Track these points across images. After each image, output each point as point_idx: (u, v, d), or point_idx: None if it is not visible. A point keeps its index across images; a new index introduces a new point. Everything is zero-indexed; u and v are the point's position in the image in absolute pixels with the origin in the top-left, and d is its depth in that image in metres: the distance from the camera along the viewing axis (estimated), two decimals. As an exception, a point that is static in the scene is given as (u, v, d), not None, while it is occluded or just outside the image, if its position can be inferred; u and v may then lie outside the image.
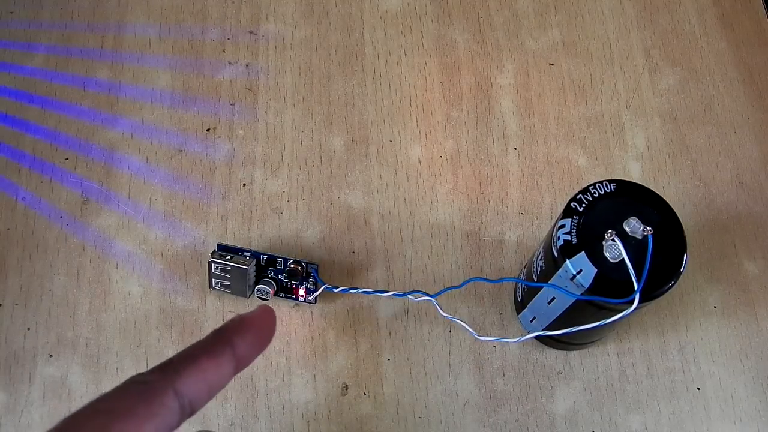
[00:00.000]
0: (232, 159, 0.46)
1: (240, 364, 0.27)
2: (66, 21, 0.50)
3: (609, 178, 0.35)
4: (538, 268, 0.37)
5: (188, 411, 0.25)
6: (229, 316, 0.41)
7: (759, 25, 0.51)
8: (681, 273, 0.33)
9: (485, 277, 0.43)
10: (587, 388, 0.41)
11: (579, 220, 0.34)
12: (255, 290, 0.41)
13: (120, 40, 0.49)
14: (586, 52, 0.50)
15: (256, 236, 0.44)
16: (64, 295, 0.42)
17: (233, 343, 0.27)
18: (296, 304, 0.42)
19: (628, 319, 0.35)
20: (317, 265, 0.40)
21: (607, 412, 0.40)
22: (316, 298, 0.41)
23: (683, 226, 0.34)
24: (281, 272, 0.41)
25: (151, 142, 0.46)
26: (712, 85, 0.49)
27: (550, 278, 0.35)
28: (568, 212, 0.34)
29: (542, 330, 0.38)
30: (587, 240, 0.33)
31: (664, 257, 0.33)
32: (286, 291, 0.42)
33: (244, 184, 0.45)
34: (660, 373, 0.41)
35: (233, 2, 0.51)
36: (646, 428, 0.40)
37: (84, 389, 0.40)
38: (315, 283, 0.41)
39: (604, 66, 0.49)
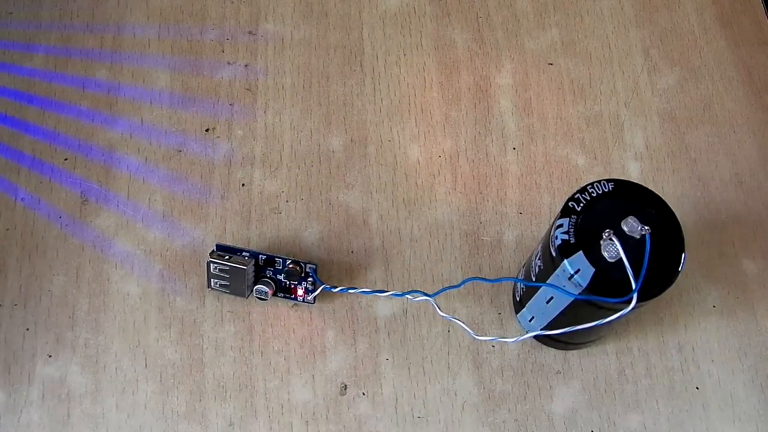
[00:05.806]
0: (231, 159, 0.46)
1: None
2: (65, 21, 0.50)
3: (607, 177, 0.35)
4: (537, 268, 0.37)
5: None
6: (227, 317, 0.42)
7: (758, 25, 0.51)
8: (679, 272, 0.33)
9: (484, 276, 0.43)
10: (586, 387, 0.40)
11: (577, 219, 0.34)
12: (254, 290, 0.41)
13: (119, 41, 0.49)
14: (585, 52, 0.50)
15: (255, 236, 0.44)
16: (63, 296, 0.42)
17: None
18: (295, 304, 0.42)
19: (627, 319, 0.35)
20: (316, 265, 0.40)
21: (605, 411, 0.40)
22: (314, 298, 0.41)
23: (682, 226, 0.34)
24: (280, 272, 0.41)
25: (150, 143, 0.46)
26: (711, 85, 0.49)
27: (549, 278, 0.35)
28: (566, 212, 0.34)
29: (541, 329, 0.38)
30: (585, 239, 0.33)
31: (662, 256, 0.33)
32: (284, 291, 0.42)
33: (243, 184, 0.45)
34: (659, 373, 0.41)
35: (232, 2, 0.51)
36: (645, 428, 0.40)
37: (83, 389, 0.40)
38: (313, 283, 0.41)
39: (603, 65, 0.49)
